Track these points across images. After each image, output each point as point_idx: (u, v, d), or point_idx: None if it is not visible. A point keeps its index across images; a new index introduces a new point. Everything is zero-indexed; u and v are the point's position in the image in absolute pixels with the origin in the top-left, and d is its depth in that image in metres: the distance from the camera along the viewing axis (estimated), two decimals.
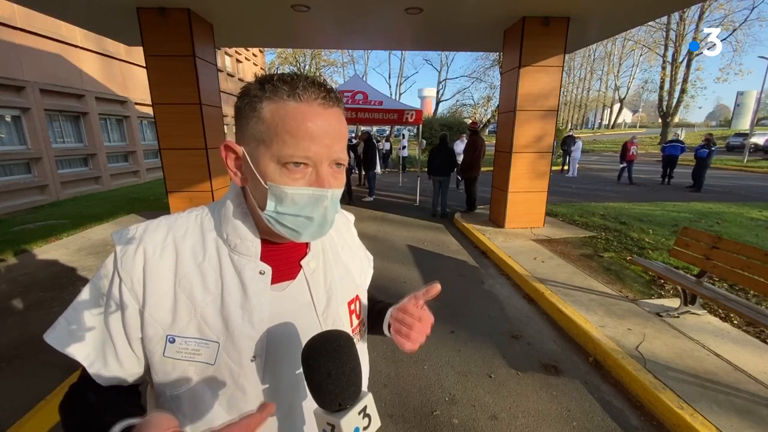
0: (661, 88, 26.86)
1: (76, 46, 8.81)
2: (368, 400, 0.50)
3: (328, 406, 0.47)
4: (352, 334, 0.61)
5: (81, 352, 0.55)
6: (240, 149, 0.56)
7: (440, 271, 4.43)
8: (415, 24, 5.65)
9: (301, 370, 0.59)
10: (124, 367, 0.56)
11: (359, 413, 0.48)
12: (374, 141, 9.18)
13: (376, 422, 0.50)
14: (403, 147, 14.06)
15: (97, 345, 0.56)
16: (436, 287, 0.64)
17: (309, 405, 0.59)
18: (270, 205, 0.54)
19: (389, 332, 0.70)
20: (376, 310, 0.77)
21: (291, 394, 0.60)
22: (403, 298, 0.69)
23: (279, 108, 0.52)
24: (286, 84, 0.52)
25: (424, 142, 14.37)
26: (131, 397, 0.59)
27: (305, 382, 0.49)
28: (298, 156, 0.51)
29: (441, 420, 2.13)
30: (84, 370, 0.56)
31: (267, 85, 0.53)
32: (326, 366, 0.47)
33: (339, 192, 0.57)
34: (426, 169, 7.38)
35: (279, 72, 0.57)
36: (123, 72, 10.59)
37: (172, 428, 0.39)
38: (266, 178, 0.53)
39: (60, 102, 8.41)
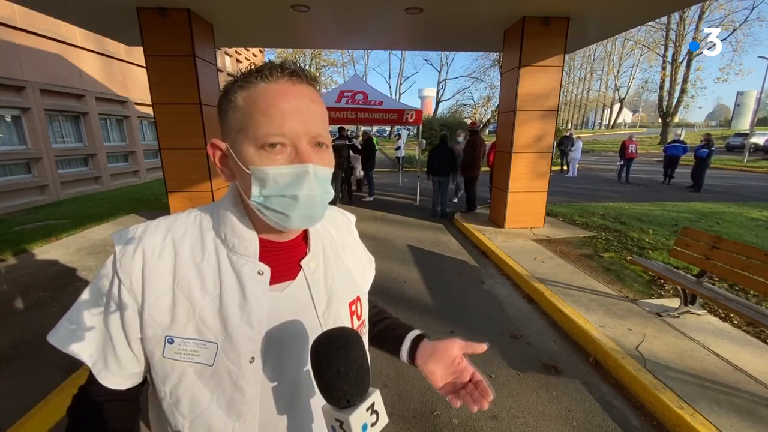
0: (661, 88, 26.90)
1: (76, 46, 8.81)
2: (376, 397, 0.50)
3: (336, 403, 0.48)
4: None
5: (85, 352, 0.56)
6: (224, 144, 0.57)
7: (440, 271, 4.42)
8: (415, 24, 5.65)
9: (306, 368, 0.59)
10: (124, 368, 0.57)
11: (367, 410, 0.48)
12: (374, 142, 9.18)
13: (384, 419, 0.50)
14: (398, 147, 14.05)
15: (98, 345, 0.56)
16: (484, 346, 0.67)
17: (317, 402, 0.59)
18: (255, 190, 0.54)
19: (408, 360, 0.74)
20: (392, 335, 0.78)
21: (292, 394, 0.60)
22: (443, 339, 0.70)
23: (250, 92, 0.53)
24: (257, 71, 0.54)
25: (424, 142, 14.36)
26: (126, 418, 0.61)
27: (313, 380, 0.50)
28: (273, 134, 0.51)
29: (441, 420, 2.13)
30: (91, 371, 0.57)
31: (239, 76, 0.55)
32: (335, 363, 0.48)
33: (324, 170, 0.55)
34: (425, 169, 7.38)
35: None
36: (123, 72, 10.59)
37: None
38: (248, 164, 0.53)
39: (60, 102, 8.41)
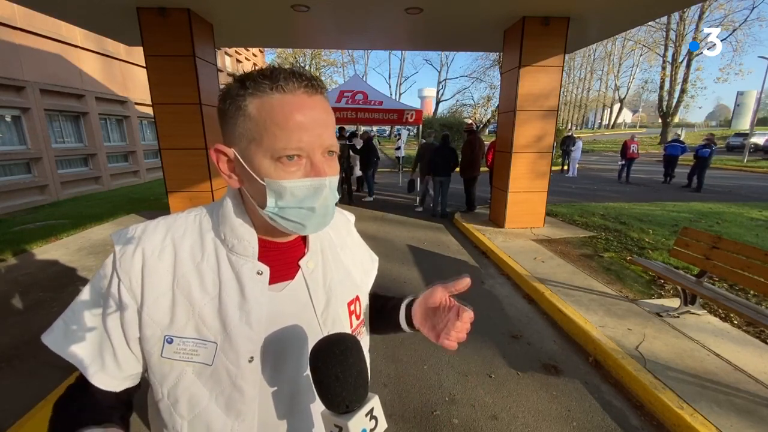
0: (661, 88, 26.90)
1: (76, 46, 8.81)
2: (375, 402, 0.50)
3: (335, 408, 0.48)
4: None
5: (78, 353, 0.55)
6: (231, 151, 0.55)
7: (440, 271, 4.42)
8: (415, 24, 5.65)
9: (306, 372, 0.59)
10: (122, 368, 0.56)
11: (366, 415, 0.48)
12: (373, 142, 9.16)
13: (383, 424, 0.50)
14: (398, 147, 14.03)
15: (94, 346, 0.56)
16: (466, 281, 0.64)
17: (317, 407, 0.59)
18: (270, 201, 0.53)
19: (408, 327, 0.72)
20: (389, 306, 0.77)
21: (291, 395, 0.60)
22: (424, 290, 0.69)
23: (264, 102, 0.51)
24: (267, 78, 0.51)
25: (425, 142, 14.33)
26: (114, 409, 0.58)
27: (313, 385, 0.50)
28: (290, 148, 0.51)
29: (441, 420, 2.13)
30: (81, 372, 0.56)
31: (248, 81, 0.52)
32: (334, 369, 0.48)
33: (336, 179, 0.57)
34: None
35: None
36: (123, 72, 10.58)
37: None
38: (262, 175, 0.53)
39: (60, 102, 8.41)
